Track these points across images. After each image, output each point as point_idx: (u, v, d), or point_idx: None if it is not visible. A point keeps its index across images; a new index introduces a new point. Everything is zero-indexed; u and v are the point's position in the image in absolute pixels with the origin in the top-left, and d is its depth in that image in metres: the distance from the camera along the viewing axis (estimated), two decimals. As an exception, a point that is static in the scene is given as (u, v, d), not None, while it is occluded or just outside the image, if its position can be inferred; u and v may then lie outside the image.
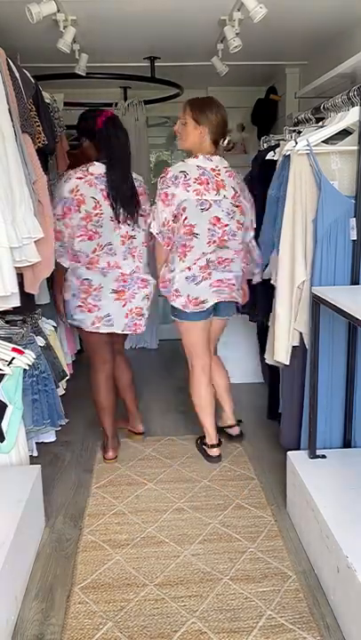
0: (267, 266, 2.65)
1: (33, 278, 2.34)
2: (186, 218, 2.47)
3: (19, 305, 2.18)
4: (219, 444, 2.81)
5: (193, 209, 2.47)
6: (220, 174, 2.52)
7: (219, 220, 2.51)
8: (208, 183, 2.48)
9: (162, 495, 2.49)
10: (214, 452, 2.79)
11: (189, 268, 2.53)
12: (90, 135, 2.60)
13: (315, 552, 1.98)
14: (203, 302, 2.59)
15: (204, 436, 2.84)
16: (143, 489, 2.55)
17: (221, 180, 2.52)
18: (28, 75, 2.34)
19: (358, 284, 2.32)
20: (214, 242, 2.52)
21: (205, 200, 2.47)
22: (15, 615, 1.78)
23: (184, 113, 2.53)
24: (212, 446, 2.79)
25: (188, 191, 2.45)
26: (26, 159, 2.12)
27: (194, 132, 2.52)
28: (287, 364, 2.42)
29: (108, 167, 2.54)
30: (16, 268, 2.08)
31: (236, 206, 2.56)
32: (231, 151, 4.78)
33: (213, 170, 2.51)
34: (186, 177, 2.47)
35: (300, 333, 2.39)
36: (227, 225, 2.53)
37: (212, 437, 2.80)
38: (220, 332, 2.90)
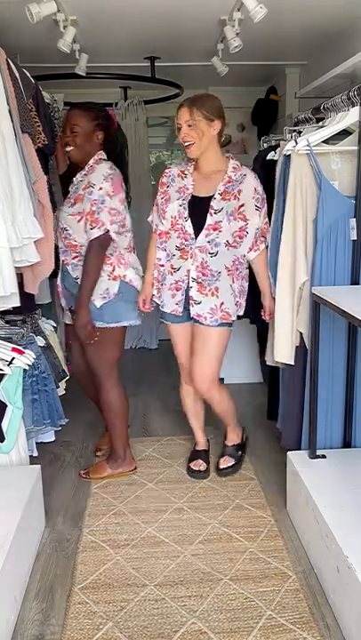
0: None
1: (33, 278, 2.35)
2: None
3: (19, 305, 2.18)
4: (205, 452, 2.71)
5: None
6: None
7: None
8: None
9: (162, 495, 2.49)
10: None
11: None
12: (107, 130, 2.50)
13: (315, 552, 1.98)
14: None
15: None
16: (143, 489, 2.55)
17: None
18: (28, 75, 2.35)
19: (358, 284, 2.32)
20: None
21: None
22: (15, 615, 1.78)
23: (191, 114, 2.18)
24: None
25: None
26: (26, 159, 2.12)
27: (208, 131, 2.20)
28: (292, 363, 2.41)
29: (117, 166, 2.50)
30: (16, 267, 2.08)
31: None
32: (229, 148, 4.76)
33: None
34: None
35: (301, 334, 2.40)
36: None
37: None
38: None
